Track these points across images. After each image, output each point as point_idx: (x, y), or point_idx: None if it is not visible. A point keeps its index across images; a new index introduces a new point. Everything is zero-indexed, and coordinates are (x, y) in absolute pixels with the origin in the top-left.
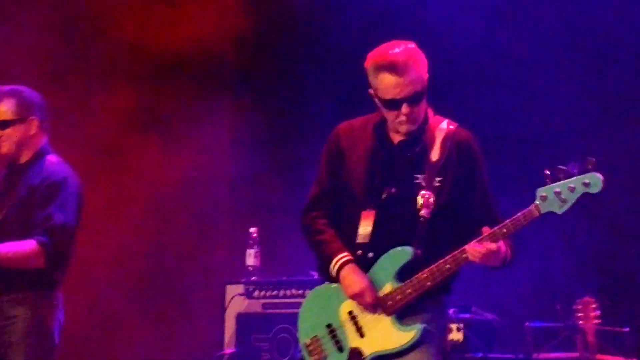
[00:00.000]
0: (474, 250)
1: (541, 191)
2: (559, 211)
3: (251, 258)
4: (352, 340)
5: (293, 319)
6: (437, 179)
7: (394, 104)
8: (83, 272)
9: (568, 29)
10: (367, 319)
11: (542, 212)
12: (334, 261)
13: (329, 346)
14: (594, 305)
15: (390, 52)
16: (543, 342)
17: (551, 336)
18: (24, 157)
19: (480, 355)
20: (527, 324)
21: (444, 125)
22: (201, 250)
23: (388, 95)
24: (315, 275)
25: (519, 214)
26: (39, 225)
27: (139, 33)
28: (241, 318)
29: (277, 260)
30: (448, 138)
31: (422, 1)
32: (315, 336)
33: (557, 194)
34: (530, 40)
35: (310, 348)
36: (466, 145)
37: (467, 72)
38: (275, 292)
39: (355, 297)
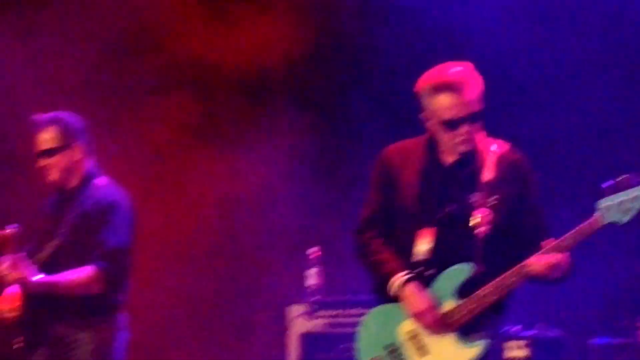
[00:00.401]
0: (538, 262)
1: (603, 202)
2: (622, 221)
3: (313, 278)
4: (414, 359)
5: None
6: (492, 198)
7: (452, 124)
8: (143, 294)
9: (616, 43)
10: (428, 338)
11: (606, 222)
12: (393, 279)
13: None
14: None
15: (448, 72)
16: (607, 358)
17: (616, 353)
18: (73, 183)
19: None
20: (591, 340)
21: (496, 146)
22: (263, 271)
23: (447, 115)
24: None
25: (582, 225)
26: (94, 250)
27: (195, 48)
28: (305, 338)
29: (340, 279)
30: (501, 158)
31: (473, 23)
32: (375, 357)
33: (619, 204)
34: (578, 54)
35: None
36: (519, 165)
37: (517, 89)
38: (338, 311)
39: (418, 315)
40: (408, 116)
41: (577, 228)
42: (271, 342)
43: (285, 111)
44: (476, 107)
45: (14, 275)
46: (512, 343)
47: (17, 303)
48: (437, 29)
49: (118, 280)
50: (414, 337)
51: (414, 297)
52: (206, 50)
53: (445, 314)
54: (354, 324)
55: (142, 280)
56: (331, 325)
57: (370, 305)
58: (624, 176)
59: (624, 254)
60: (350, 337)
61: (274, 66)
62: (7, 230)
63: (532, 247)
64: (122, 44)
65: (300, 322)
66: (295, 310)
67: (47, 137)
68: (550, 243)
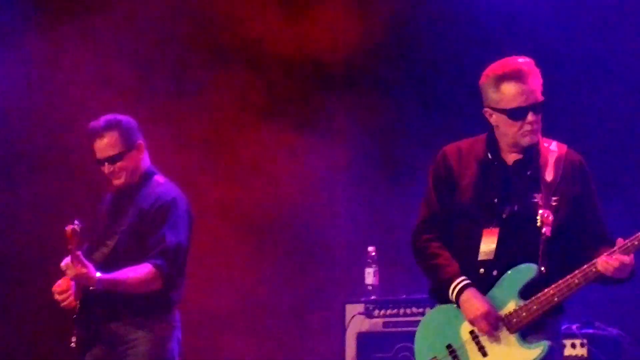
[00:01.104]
0: (607, 263)
1: None
2: None
3: (370, 277)
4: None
5: (413, 337)
6: (554, 198)
7: (519, 113)
8: (195, 288)
9: None
10: (489, 338)
11: None
12: (452, 285)
13: None
14: None
15: (512, 62)
16: None
17: None
18: (133, 180)
19: None
20: None
21: (555, 147)
22: (320, 269)
23: (513, 103)
24: None
25: (626, 242)
26: (152, 248)
27: (256, 33)
28: (362, 337)
29: (397, 278)
30: (561, 158)
31: (534, 19)
32: (435, 358)
33: None
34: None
35: None
36: (578, 166)
37: (579, 87)
38: (395, 311)
39: (476, 320)
40: (467, 113)
41: (622, 245)
42: (331, 341)
43: (345, 103)
44: (540, 97)
45: (75, 270)
46: (570, 341)
47: (70, 291)
48: (497, 26)
49: (175, 278)
50: (475, 338)
51: (472, 302)
52: (269, 35)
53: (508, 315)
54: (410, 324)
55: (193, 276)
56: (387, 324)
57: (425, 304)
58: None
59: None
60: (405, 337)
61: (335, 57)
62: (70, 227)
63: (592, 249)
64: (184, 27)
65: (358, 321)
66: (353, 309)
67: (109, 143)
68: (619, 243)
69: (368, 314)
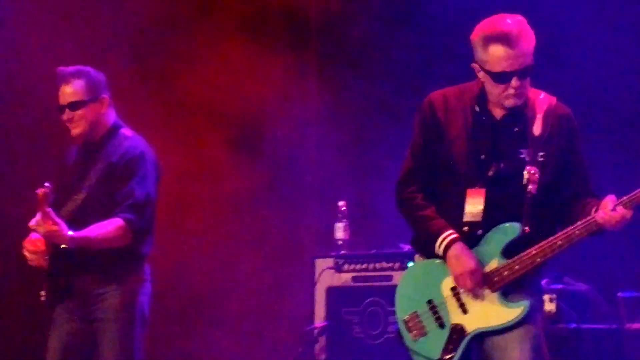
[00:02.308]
0: (612, 216)
1: None
2: None
3: (340, 231)
4: (455, 316)
5: (383, 291)
6: (541, 153)
7: (503, 77)
8: (169, 243)
9: None
10: (470, 296)
11: None
12: (440, 238)
13: (429, 322)
14: None
15: (502, 23)
16: (636, 312)
17: None
18: (98, 134)
19: (573, 326)
20: (619, 294)
21: (544, 99)
22: (290, 224)
23: (498, 67)
24: (405, 247)
25: (624, 198)
26: (121, 202)
27: None
28: (331, 291)
29: (366, 233)
30: (549, 112)
31: None
32: (415, 312)
33: None
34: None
35: (410, 324)
36: (566, 120)
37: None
38: (364, 265)
39: (462, 277)
40: (455, 66)
41: (621, 199)
42: (301, 295)
43: (319, 63)
44: (528, 60)
45: (45, 227)
46: (545, 296)
47: (41, 247)
48: None
49: (145, 231)
50: (456, 294)
51: (459, 257)
52: None
53: (489, 273)
54: (379, 278)
55: (167, 231)
56: (357, 279)
57: (395, 259)
58: None
59: None
60: (375, 292)
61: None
62: (41, 190)
63: (575, 202)
64: None
65: (327, 275)
66: (323, 263)
67: (73, 90)
68: (611, 198)
69: (338, 268)
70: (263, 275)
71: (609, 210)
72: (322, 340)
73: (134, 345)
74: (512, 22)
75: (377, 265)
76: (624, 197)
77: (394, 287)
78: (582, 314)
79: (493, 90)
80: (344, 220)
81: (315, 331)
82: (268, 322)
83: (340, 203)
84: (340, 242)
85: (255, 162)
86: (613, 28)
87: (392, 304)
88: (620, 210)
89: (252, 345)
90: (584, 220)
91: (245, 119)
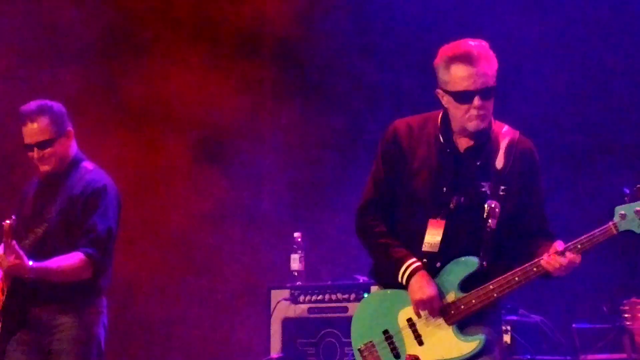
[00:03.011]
0: (554, 261)
1: (620, 209)
2: (638, 230)
3: (296, 263)
4: (410, 347)
5: (338, 323)
6: (502, 187)
7: (466, 97)
8: (123, 277)
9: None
10: (426, 327)
11: (620, 230)
12: (404, 266)
13: (384, 352)
14: None
15: (464, 44)
16: (590, 343)
17: (598, 337)
18: (61, 167)
19: (528, 357)
20: (574, 325)
21: (507, 132)
22: (246, 255)
23: (460, 86)
24: (361, 279)
25: (596, 231)
26: (83, 236)
27: None
28: (287, 323)
29: (322, 264)
30: (512, 145)
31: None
32: (370, 341)
33: (637, 213)
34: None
35: (365, 353)
36: (529, 155)
37: (539, 80)
38: (320, 297)
39: (421, 303)
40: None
41: (589, 234)
42: (257, 326)
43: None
44: (490, 82)
45: (8, 262)
46: None
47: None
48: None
49: (105, 265)
50: (412, 325)
51: (421, 284)
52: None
53: (447, 306)
54: (335, 310)
55: (122, 265)
56: (312, 310)
57: (350, 291)
58: None
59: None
60: (330, 323)
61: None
62: (7, 222)
63: (533, 243)
64: None
65: (283, 306)
66: (278, 294)
67: (39, 128)
68: (560, 244)
69: (293, 299)
70: (218, 305)
71: (554, 255)
72: None
73: None
74: (474, 44)
75: (333, 297)
76: (571, 242)
77: (350, 318)
78: (537, 346)
79: (456, 113)
80: (300, 251)
81: None
82: (223, 353)
83: (296, 234)
84: (295, 273)
85: (211, 192)
86: (576, 56)
87: (348, 335)
88: (570, 255)
89: None
90: (530, 263)
91: (204, 142)
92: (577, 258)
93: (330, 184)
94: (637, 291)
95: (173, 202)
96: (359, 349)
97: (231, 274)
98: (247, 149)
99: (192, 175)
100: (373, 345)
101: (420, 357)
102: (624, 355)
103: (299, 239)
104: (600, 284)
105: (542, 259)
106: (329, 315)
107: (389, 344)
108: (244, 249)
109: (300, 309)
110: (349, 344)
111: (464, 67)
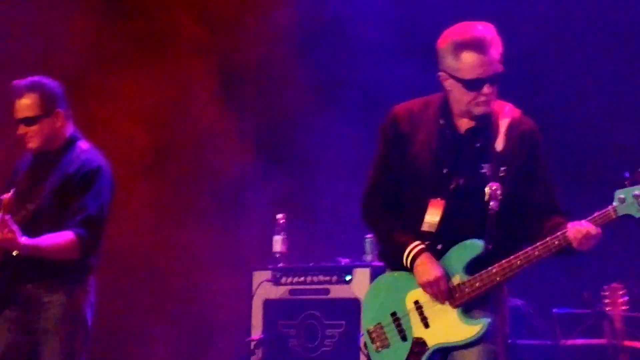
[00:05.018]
0: (582, 228)
1: (619, 193)
2: (637, 214)
3: (278, 244)
4: (417, 330)
5: (320, 305)
6: (502, 168)
7: (476, 84)
8: (109, 258)
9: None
10: (433, 310)
11: (619, 214)
12: (409, 248)
13: (392, 334)
14: (621, 292)
15: (473, 29)
16: (570, 328)
17: (579, 322)
18: (54, 146)
19: (508, 341)
20: (554, 310)
21: (508, 112)
22: (229, 237)
23: (471, 74)
24: (342, 261)
25: (595, 215)
26: (74, 215)
27: None
28: (268, 304)
29: (304, 246)
30: (513, 126)
31: None
32: (379, 323)
33: (635, 197)
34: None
35: (374, 335)
36: (530, 135)
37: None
38: (302, 279)
39: (428, 284)
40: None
41: (592, 217)
42: (239, 308)
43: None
44: (499, 68)
45: (3, 234)
46: None
47: None
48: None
49: (95, 245)
50: (419, 308)
51: (426, 266)
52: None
53: (452, 289)
54: (316, 292)
55: (109, 248)
56: (294, 292)
57: (333, 272)
58: None
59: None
60: (312, 305)
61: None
62: (6, 195)
63: (542, 221)
64: None
65: (265, 288)
66: (260, 276)
67: (27, 104)
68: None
69: (275, 281)
70: (200, 286)
71: (579, 223)
72: (259, 352)
73: (75, 358)
74: (483, 28)
75: (315, 279)
76: (594, 215)
77: (331, 300)
78: (518, 330)
79: (463, 98)
80: (282, 233)
81: (252, 343)
82: (205, 334)
83: (279, 216)
84: (278, 255)
85: (195, 174)
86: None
87: (329, 317)
88: (588, 225)
89: (188, 356)
90: (544, 240)
91: (182, 128)
92: (597, 230)
93: (312, 166)
94: (617, 277)
95: (157, 186)
96: (368, 330)
97: (214, 256)
98: (230, 132)
99: (176, 163)
100: (381, 327)
101: (426, 339)
102: (603, 341)
103: (282, 221)
104: (580, 269)
105: (568, 228)
106: (311, 297)
107: (397, 326)
108: (227, 230)
109: (282, 291)
110: (330, 326)
111: (476, 55)
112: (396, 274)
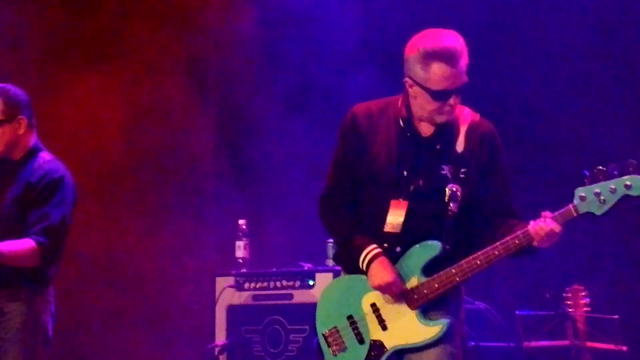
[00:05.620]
0: (544, 225)
1: (580, 191)
2: (598, 212)
3: (241, 250)
4: (374, 332)
5: (283, 310)
6: (462, 170)
7: (443, 95)
8: (68, 265)
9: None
10: (390, 312)
11: (580, 212)
12: (365, 252)
13: (349, 337)
14: (583, 293)
15: (444, 39)
16: (533, 330)
17: (541, 324)
18: (17, 155)
19: (472, 344)
20: (517, 312)
21: (467, 115)
22: (191, 243)
23: (439, 86)
24: (305, 266)
25: (555, 213)
26: (36, 224)
27: None
28: (232, 310)
29: (267, 251)
30: (472, 128)
31: None
32: (335, 327)
33: (596, 195)
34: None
35: (330, 339)
36: (489, 137)
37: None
38: (265, 284)
39: (382, 287)
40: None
41: (552, 215)
42: (202, 313)
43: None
44: (465, 79)
45: None
46: None
47: None
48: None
49: (55, 255)
50: (376, 310)
51: (379, 269)
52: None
53: (410, 290)
54: (280, 297)
55: (69, 254)
56: (257, 297)
57: (295, 277)
58: (607, 166)
59: None
60: (275, 310)
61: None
62: None
63: (497, 223)
64: None
65: (228, 293)
66: (223, 281)
67: None
68: (546, 214)
69: (238, 286)
70: (163, 292)
71: (542, 221)
72: (223, 358)
73: None
74: (453, 38)
75: (278, 284)
76: (556, 212)
77: (295, 305)
78: (481, 332)
79: (427, 106)
80: (244, 238)
81: (216, 349)
82: (168, 340)
83: (241, 221)
84: (240, 261)
85: (156, 180)
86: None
87: (293, 322)
88: (551, 222)
89: None
90: (503, 240)
91: (142, 135)
92: (557, 227)
93: (275, 169)
94: (579, 278)
95: (120, 191)
96: (323, 334)
97: (176, 261)
98: (191, 136)
99: (139, 169)
100: (337, 331)
101: (384, 342)
102: (566, 342)
103: (244, 226)
104: (543, 271)
105: (530, 225)
106: (274, 302)
107: (353, 329)
108: (189, 236)
109: (245, 296)
110: (294, 331)
111: (445, 67)
112: (352, 277)
